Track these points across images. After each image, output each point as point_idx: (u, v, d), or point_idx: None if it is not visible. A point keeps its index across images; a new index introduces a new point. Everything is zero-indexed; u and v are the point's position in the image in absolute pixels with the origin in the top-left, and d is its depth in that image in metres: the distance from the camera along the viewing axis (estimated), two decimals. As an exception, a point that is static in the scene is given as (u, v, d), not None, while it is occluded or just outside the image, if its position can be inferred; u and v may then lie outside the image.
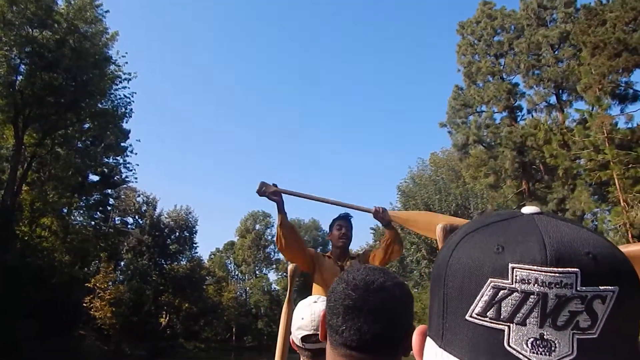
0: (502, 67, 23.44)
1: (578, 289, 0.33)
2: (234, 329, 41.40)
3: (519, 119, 23.19)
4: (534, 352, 0.33)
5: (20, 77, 21.85)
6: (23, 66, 21.88)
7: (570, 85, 20.61)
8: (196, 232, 38.29)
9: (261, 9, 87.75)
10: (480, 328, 0.35)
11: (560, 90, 21.99)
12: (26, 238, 22.52)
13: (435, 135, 63.48)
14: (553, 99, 22.42)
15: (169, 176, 75.31)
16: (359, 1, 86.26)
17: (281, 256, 48.22)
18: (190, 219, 37.91)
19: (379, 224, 3.40)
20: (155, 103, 76.05)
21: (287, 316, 2.27)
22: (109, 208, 31.43)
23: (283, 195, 2.80)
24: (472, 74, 23.79)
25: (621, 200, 13.84)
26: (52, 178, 25.17)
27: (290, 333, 1.33)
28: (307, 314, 1.27)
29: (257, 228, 50.31)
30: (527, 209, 0.39)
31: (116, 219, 33.25)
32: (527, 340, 0.33)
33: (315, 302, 1.31)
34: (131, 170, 28.67)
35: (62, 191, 25.30)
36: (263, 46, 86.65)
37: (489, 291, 0.34)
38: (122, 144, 27.61)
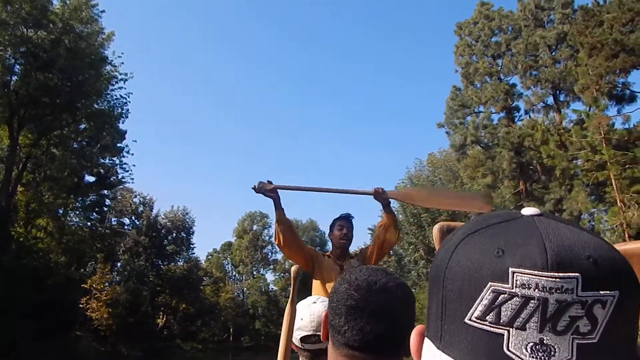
0: (499, 67, 23.50)
1: (579, 294, 0.33)
2: (231, 330, 41.34)
3: (516, 119, 23.27)
4: (533, 357, 0.33)
5: (15, 77, 21.77)
6: (18, 66, 21.81)
7: (567, 86, 20.68)
8: (193, 232, 38.42)
9: (261, 9, 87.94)
10: (480, 332, 0.34)
11: (558, 91, 22.08)
12: (22, 239, 22.43)
13: (432, 135, 63.77)
14: (550, 100, 22.51)
15: (168, 176, 75.31)
16: (359, 1, 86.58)
17: (279, 257, 48.26)
18: (187, 220, 37.95)
19: (377, 224, 3.40)
20: (153, 103, 76.03)
21: (290, 317, 2.27)
22: (105, 209, 31.40)
23: (281, 191, 2.78)
24: (469, 75, 23.85)
25: (618, 201, 13.89)
26: (47, 179, 25.08)
27: (293, 334, 1.31)
28: (307, 315, 1.26)
29: (254, 228, 50.30)
30: (527, 211, 0.39)
31: (112, 219, 33.22)
32: (527, 345, 0.33)
33: (315, 302, 1.31)
34: (127, 171, 28.66)
35: (58, 192, 25.24)
36: (263, 46, 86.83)
37: (489, 295, 0.34)
38: (118, 145, 27.56)
